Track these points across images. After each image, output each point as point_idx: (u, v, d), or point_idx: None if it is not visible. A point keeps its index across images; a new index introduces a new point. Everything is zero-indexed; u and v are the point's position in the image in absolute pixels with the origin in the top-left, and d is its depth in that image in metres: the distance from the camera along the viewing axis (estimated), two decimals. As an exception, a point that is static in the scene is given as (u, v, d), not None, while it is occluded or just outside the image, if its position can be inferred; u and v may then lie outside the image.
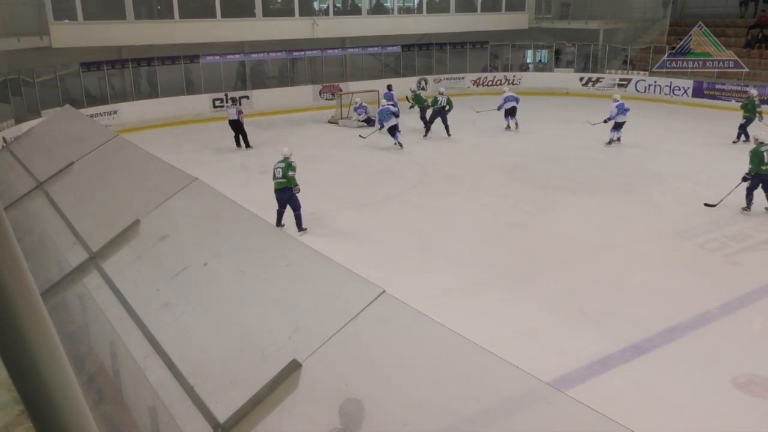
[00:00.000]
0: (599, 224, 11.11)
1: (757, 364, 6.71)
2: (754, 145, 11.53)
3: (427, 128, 18.25)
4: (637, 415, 5.76)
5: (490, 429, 1.57)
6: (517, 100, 18.52)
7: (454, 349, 1.80)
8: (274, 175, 10.51)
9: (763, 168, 11.25)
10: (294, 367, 1.89)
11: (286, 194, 10.43)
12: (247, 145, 17.25)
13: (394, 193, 13.01)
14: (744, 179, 11.49)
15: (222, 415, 1.88)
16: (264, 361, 2.03)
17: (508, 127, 18.78)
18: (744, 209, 11.53)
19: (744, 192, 11.52)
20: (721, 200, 11.63)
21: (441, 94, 17.92)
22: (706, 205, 11.75)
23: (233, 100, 19.01)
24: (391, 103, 17.51)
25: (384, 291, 1.95)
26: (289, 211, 10.56)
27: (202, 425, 1.90)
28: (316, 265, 2.35)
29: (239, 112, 17.02)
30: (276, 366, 1.91)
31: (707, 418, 5.94)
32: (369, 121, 18.98)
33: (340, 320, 1.94)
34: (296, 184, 10.42)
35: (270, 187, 10.54)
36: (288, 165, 10.46)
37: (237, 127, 17.13)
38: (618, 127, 16.60)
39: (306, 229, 10.71)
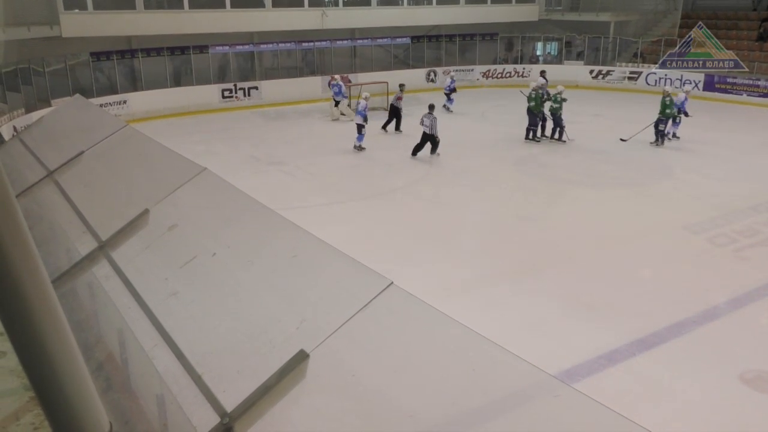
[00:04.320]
0: (608, 218, 11.07)
1: (764, 359, 6.69)
2: (662, 95, 15.92)
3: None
4: (644, 410, 5.76)
5: (498, 421, 1.58)
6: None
7: (462, 341, 1.79)
8: (531, 97, 16.34)
9: (667, 111, 15.80)
10: (301, 357, 1.89)
11: (535, 113, 16.31)
12: (397, 128, 17.75)
13: (402, 185, 13.00)
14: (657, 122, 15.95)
15: (229, 404, 1.89)
16: (271, 351, 2.04)
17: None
18: (658, 143, 16.02)
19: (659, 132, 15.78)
20: (633, 136, 16.21)
21: (449, 75, 19.78)
22: (621, 139, 16.30)
23: (401, 86, 18.33)
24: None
25: (392, 282, 1.95)
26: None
27: (209, 414, 1.91)
28: (323, 256, 2.35)
29: (398, 99, 17.58)
30: (283, 356, 1.92)
31: (714, 413, 5.93)
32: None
33: (348, 311, 1.95)
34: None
35: (273, 175, 10.58)
36: (538, 96, 16.27)
37: (394, 111, 17.77)
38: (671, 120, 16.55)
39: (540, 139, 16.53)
